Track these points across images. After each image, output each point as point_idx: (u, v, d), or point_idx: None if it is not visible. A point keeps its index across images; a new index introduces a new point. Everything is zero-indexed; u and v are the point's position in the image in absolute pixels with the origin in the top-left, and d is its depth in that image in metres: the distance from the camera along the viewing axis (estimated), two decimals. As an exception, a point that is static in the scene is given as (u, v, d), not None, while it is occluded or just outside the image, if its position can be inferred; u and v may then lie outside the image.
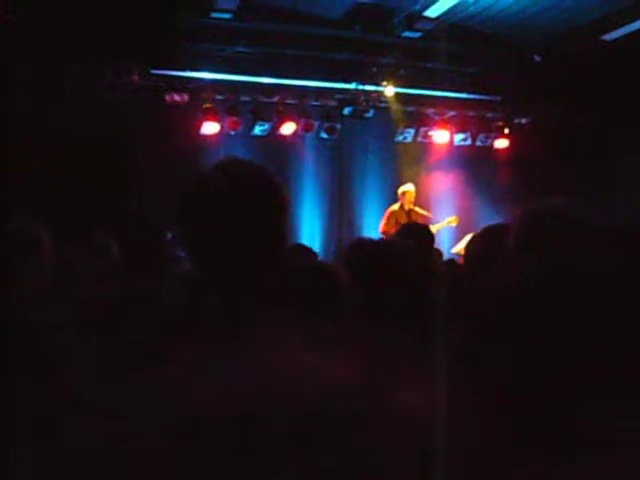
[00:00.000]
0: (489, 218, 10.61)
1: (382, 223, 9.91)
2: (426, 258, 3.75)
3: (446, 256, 6.89)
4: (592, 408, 1.32)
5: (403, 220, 9.55)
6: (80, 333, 1.65)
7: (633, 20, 8.89)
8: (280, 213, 1.62)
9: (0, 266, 1.87)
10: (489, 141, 11.85)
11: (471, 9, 8.96)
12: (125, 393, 1.32)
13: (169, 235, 3.16)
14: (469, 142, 11.78)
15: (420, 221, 8.84)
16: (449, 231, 10.32)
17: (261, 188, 1.61)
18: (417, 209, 9.92)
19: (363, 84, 10.88)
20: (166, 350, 1.44)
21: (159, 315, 1.50)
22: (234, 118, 10.42)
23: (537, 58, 10.48)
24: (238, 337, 1.43)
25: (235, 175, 1.62)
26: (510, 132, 11.79)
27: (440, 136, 11.62)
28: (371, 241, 3.07)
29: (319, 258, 4.14)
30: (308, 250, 3.85)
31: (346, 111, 11.00)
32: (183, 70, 10.02)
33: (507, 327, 1.44)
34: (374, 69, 10.72)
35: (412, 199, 9.91)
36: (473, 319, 1.65)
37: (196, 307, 1.53)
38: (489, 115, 11.80)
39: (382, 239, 8.30)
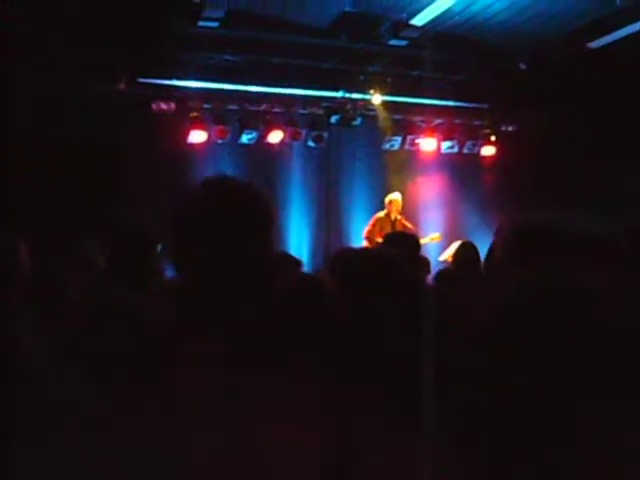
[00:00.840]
0: (476, 225, 10.66)
1: (366, 229, 9.93)
2: (412, 266, 3.75)
3: (433, 264, 6.91)
4: (584, 418, 1.32)
5: (387, 229, 9.56)
6: (60, 347, 1.64)
7: (618, 28, 8.94)
8: (266, 229, 1.63)
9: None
10: (476, 148, 11.90)
11: (457, 17, 8.99)
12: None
13: (159, 246, 3.15)
14: (456, 150, 11.83)
15: (403, 232, 8.85)
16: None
17: (248, 205, 1.62)
18: (402, 220, 9.92)
19: (350, 92, 10.90)
20: (147, 369, 1.44)
21: (142, 330, 1.50)
22: (221, 127, 10.42)
23: (523, 66, 10.53)
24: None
25: (222, 192, 1.63)
26: (497, 139, 11.85)
27: (427, 144, 11.65)
28: (356, 250, 3.07)
29: (303, 266, 4.12)
30: (292, 259, 3.84)
31: (333, 119, 11.01)
32: (170, 78, 10.01)
33: (493, 339, 1.44)
34: (361, 77, 10.75)
35: (399, 208, 9.93)
36: (461, 330, 1.65)
37: (180, 322, 1.53)
38: (476, 123, 11.86)
39: (366, 247, 8.31)
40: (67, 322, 1.92)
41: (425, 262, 5.47)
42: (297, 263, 3.77)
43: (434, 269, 5.99)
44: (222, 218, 1.57)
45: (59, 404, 1.45)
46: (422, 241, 9.26)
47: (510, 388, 1.38)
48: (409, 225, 9.94)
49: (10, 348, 1.71)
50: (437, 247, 9.87)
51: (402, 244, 4.18)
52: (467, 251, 5.78)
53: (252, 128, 10.61)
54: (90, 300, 2.28)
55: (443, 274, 4.82)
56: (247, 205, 1.62)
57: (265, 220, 1.63)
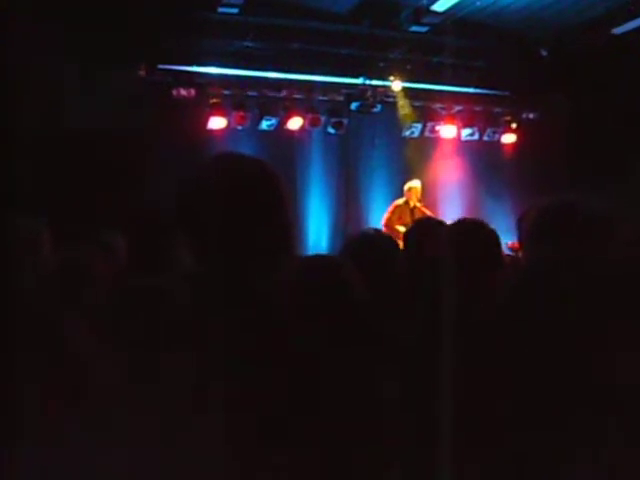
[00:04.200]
0: (496, 213, 10.58)
1: (385, 216, 9.89)
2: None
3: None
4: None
5: (406, 216, 9.52)
6: (90, 333, 1.65)
7: (642, 14, 8.84)
8: (279, 203, 1.62)
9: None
10: (496, 136, 11.82)
11: (478, 3, 8.92)
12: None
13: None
14: (476, 137, 11.75)
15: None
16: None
17: (257, 179, 1.61)
18: (422, 208, 9.86)
19: (370, 79, 10.85)
20: (169, 353, 1.44)
21: (164, 314, 1.50)
22: (241, 113, 10.42)
23: (544, 52, 10.43)
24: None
25: (230, 169, 1.62)
26: (518, 127, 11.76)
27: (447, 131, 11.59)
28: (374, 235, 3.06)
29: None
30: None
31: (353, 106, 10.97)
32: (190, 65, 10.02)
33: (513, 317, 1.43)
34: (381, 64, 10.69)
35: (418, 195, 9.87)
36: (484, 307, 1.65)
37: (200, 306, 1.53)
38: (496, 110, 11.76)
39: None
40: (94, 308, 1.93)
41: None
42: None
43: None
44: (234, 191, 1.56)
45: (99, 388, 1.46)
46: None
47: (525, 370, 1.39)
48: (428, 212, 9.90)
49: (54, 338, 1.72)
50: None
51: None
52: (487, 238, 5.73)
53: (272, 115, 10.60)
54: (114, 285, 2.28)
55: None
56: (258, 178, 1.61)
57: (278, 193, 1.63)
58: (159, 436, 1.37)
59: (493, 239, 2.56)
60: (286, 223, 1.64)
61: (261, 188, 1.60)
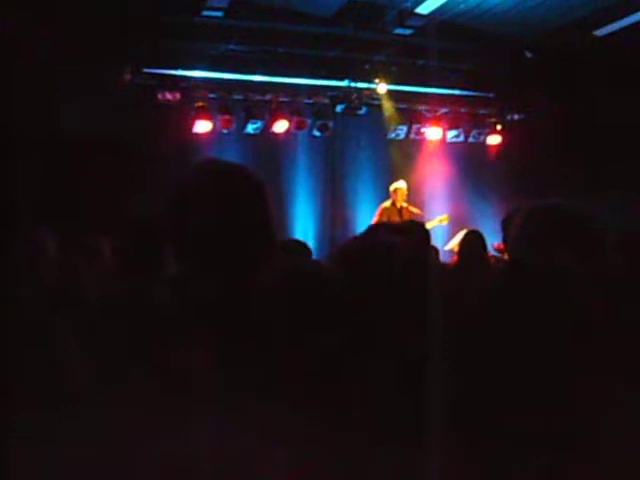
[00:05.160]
0: (481, 214, 10.64)
1: (374, 220, 9.91)
2: (422, 256, 3.74)
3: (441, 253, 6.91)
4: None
5: (395, 217, 9.56)
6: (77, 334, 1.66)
7: (624, 16, 8.90)
8: (264, 209, 1.63)
9: (7, 268, 1.87)
10: (482, 137, 11.88)
11: (462, 6, 8.96)
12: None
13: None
14: (462, 139, 11.80)
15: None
16: (442, 227, 10.32)
17: (242, 186, 1.62)
18: (409, 207, 9.91)
19: (355, 81, 10.88)
20: (156, 355, 1.45)
21: (151, 317, 1.51)
22: (226, 116, 10.41)
23: (529, 54, 10.49)
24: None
25: (215, 175, 1.63)
26: (502, 128, 11.82)
27: (433, 133, 11.63)
28: (362, 241, 3.07)
29: (313, 254, 4.10)
30: (302, 245, 3.82)
31: (338, 108, 11.00)
32: (175, 69, 10.01)
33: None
34: (366, 66, 10.73)
35: (404, 196, 9.91)
36: (463, 315, 1.66)
37: (186, 309, 1.54)
38: (481, 112, 11.82)
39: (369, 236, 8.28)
40: (84, 309, 1.93)
41: (434, 251, 5.48)
42: (307, 249, 3.75)
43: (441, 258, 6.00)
44: (218, 196, 1.57)
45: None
46: (430, 223, 9.29)
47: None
48: (416, 211, 9.94)
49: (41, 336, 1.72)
50: (444, 236, 9.87)
51: (412, 234, 4.19)
52: (473, 239, 5.77)
53: (257, 118, 10.60)
54: (99, 291, 2.29)
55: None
56: (241, 183, 1.62)
57: (256, 200, 1.64)
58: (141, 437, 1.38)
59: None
60: (270, 229, 1.65)
61: (246, 194, 1.62)
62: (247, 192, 1.62)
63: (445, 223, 9.94)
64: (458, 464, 1.44)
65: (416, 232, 4.07)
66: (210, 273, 1.58)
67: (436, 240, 8.82)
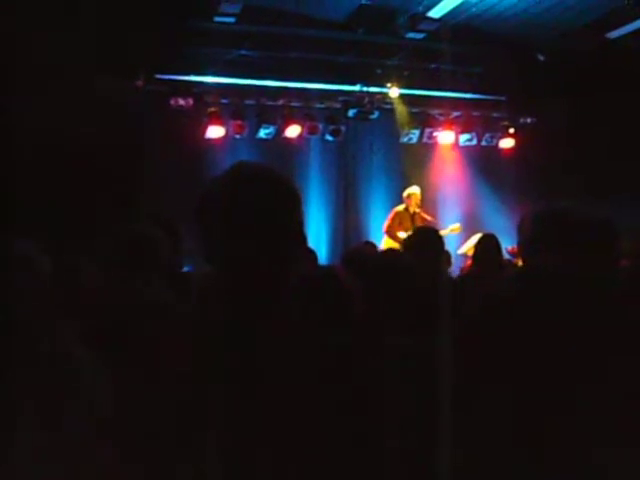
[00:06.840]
0: (495, 218, 10.60)
1: (386, 223, 9.88)
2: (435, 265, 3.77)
3: (453, 257, 6.91)
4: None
5: (407, 222, 9.53)
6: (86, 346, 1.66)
7: (637, 18, 8.86)
8: (293, 209, 1.63)
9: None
10: (494, 141, 11.84)
11: (474, 9, 8.95)
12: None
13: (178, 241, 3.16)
14: (474, 142, 11.77)
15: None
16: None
17: (276, 186, 1.62)
18: (422, 213, 9.86)
19: (367, 86, 10.88)
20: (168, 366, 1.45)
21: (165, 329, 1.51)
22: (239, 122, 10.44)
23: (541, 57, 10.47)
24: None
25: (246, 176, 1.64)
26: (515, 132, 11.79)
27: (445, 137, 11.62)
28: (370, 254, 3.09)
29: (321, 261, 4.13)
30: (308, 250, 3.82)
31: (351, 113, 10.99)
32: (187, 74, 10.04)
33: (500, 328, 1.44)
34: (378, 71, 10.73)
35: (418, 202, 9.86)
36: (472, 320, 1.66)
37: (204, 319, 1.54)
38: (494, 115, 11.80)
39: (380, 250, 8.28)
40: (84, 321, 1.94)
41: (446, 256, 5.49)
42: (314, 256, 3.77)
43: (454, 262, 6.01)
44: (250, 198, 1.57)
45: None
46: (442, 232, 9.27)
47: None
48: (429, 218, 9.89)
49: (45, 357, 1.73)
50: (456, 240, 9.84)
51: (425, 243, 4.24)
52: (487, 243, 5.75)
53: (269, 123, 10.62)
54: (106, 297, 2.29)
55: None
56: (274, 185, 1.63)
57: (293, 199, 1.64)
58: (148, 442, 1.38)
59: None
60: (302, 230, 1.65)
61: (281, 196, 1.62)
62: (281, 193, 1.63)
63: (457, 232, 9.87)
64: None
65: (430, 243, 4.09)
66: (241, 273, 1.57)
67: (448, 244, 8.80)
